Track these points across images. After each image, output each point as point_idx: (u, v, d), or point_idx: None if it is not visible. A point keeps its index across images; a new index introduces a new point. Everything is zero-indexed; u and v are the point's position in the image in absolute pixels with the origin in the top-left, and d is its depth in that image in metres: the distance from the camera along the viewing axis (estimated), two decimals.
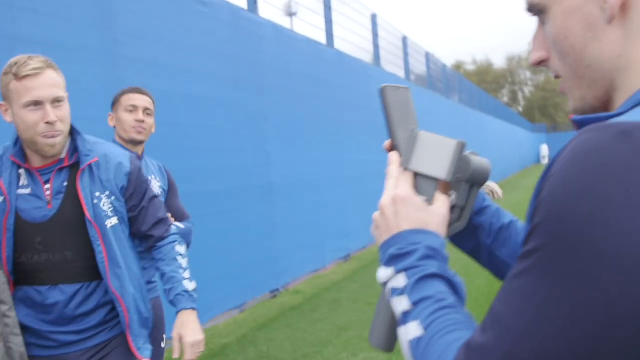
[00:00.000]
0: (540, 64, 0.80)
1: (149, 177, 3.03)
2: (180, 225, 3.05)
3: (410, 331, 0.74)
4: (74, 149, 2.17)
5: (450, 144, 0.89)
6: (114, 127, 3.10)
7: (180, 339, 2.19)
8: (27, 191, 2.10)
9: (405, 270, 0.80)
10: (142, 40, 5.25)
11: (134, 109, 3.01)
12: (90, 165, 2.14)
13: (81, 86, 4.42)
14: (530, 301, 0.55)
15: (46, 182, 2.12)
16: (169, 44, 5.60)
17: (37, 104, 2.02)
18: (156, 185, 3.07)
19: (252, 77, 6.95)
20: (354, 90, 10.04)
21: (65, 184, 2.12)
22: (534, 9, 0.79)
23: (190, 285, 2.29)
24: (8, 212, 2.05)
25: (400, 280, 0.80)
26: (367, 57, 11.51)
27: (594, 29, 0.71)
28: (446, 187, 0.94)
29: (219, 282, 5.94)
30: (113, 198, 2.17)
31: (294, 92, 7.94)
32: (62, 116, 2.07)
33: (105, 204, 2.14)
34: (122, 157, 2.24)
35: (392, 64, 13.25)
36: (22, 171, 2.11)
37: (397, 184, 0.91)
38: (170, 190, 3.16)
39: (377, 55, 12.10)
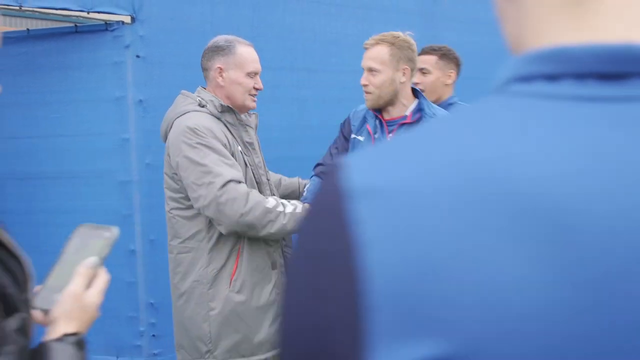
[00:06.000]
0: None
1: None
2: None
3: None
4: (418, 110, 2.68)
5: None
6: None
7: None
8: (376, 136, 2.69)
9: None
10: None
11: None
12: None
13: None
14: None
15: (390, 132, 2.66)
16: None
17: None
18: None
19: None
20: None
21: None
22: None
23: None
24: None
25: None
26: None
27: (501, 2, 0.54)
28: None
29: None
30: None
31: None
32: (373, 82, 2.61)
33: None
34: None
35: None
36: (377, 122, 2.71)
37: None
38: None
39: None
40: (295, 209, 2.43)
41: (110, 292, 4.42)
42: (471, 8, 5.47)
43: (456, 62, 3.29)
